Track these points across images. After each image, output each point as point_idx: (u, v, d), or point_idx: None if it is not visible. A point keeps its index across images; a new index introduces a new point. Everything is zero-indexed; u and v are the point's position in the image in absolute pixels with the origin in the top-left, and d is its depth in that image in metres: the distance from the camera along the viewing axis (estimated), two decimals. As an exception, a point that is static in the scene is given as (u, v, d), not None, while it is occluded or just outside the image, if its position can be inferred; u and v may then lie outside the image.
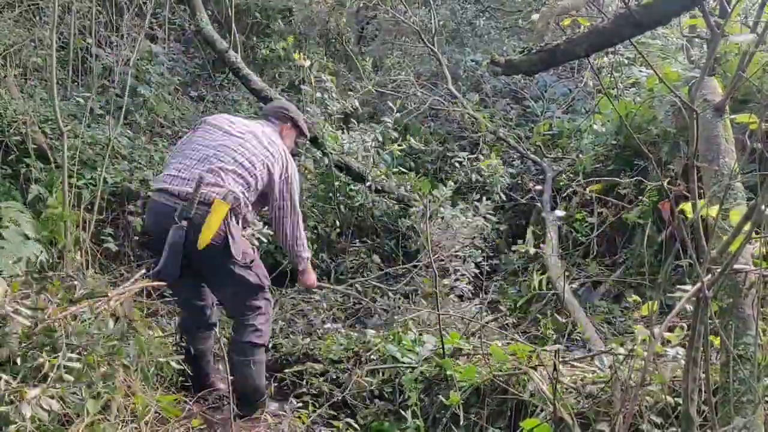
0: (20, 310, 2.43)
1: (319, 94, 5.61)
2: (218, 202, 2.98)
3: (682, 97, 2.22)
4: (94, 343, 2.52)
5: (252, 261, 3.18)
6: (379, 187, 5.40)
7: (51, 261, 4.15)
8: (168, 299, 4.29)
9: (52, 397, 2.24)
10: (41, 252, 4.03)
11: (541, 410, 2.70)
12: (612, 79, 5.80)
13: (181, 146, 3.29)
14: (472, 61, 7.79)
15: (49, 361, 2.33)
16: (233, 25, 5.94)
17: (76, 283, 3.20)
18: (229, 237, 3.02)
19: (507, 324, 4.29)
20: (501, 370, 2.96)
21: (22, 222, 4.17)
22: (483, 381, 2.96)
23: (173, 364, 2.87)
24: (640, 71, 5.51)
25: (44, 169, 4.74)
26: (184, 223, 2.96)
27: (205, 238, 2.95)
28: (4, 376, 2.27)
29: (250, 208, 3.22)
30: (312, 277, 3.58)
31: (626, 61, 6.21)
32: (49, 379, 2.30)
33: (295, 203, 3.31)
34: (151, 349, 2.80)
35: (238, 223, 3.12)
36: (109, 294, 2.70)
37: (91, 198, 4.27)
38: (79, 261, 3.98)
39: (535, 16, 2.80)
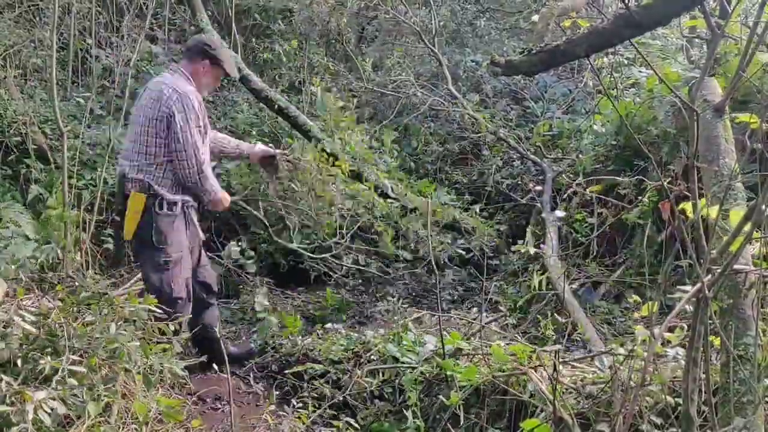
0: (25, 316, 2.44)
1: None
2: (133, 194, 3.31)
3: (682, 97, 2.22)
4: (96, 346, 2.51)
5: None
6: (394, 197, 5.32)
7: (51, 261, 4.15)
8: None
9: (53, 399, 2.24)
10: (44, 252, 4.04)
11: (541, 411, 2.70)
12: (612, 79, 5.80)
13: None
14: (473, 61, 7.78)
15: (51, 364, 2.33)
16: (233, 25, 5.95)
17: (77, 284, 3.22)
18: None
19: (507, 324, 4.28)
20: (501, 371, 2.96)
21: (23, 223, 4.17)
22: (483, 381, 2.96)
23: (178, 370, 2.83)
24: (640, 71, 5.51)
25: (44, 170, 4.74)
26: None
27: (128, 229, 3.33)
28: (6, 378, 2.27)
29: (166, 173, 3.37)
30: (219, 198, 3.57)
31: (626, 62, 6.21)
32: (52, 381, 2.29)
33: (187, 139, 3.33)
34: (154, 350, 2.79)
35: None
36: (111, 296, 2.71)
37: (91, 198, 4.27)
38: (79, 261, 3.97)
39: (535, 17, 2.80)
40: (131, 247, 3.58)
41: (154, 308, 2.77)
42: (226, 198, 3.62)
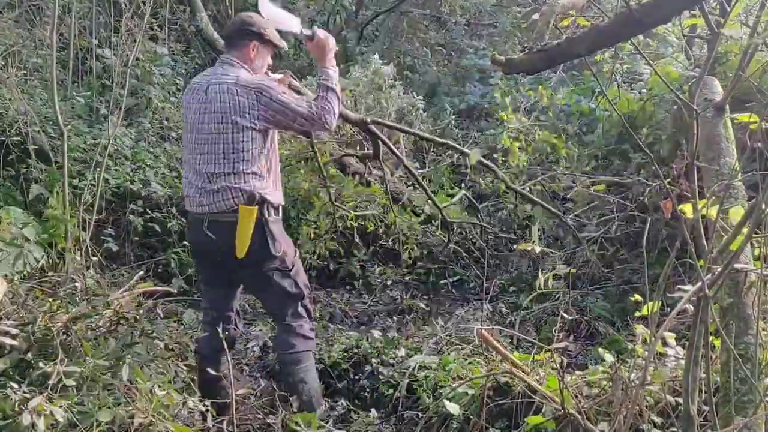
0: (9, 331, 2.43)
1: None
2: (242, 208, 2.89)
3: (682, 97, 2.22)
4: (97, 354, 2.51)
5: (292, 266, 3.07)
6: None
7: (51, 262, 4.15)
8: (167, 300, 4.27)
9: (50, 401, 2.24)
10: (44, 252, 4.04)
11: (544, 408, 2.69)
12: (613, 77, 5.78)
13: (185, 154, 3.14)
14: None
15: (47, 369, 2.33)
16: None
17: (77, 284, 3.22)
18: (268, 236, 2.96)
19: (511, 323, 4.30)
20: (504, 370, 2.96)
21: (23, 223, 4.17)
22: (485, 381, 2.96)
23: (173, 394, 2.75)
24: (645, 67, 5.51)
25: (45, 170, 4.73)
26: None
27: (242, 246, 2.91)
28: (12, 384, 2.27)
29: (264, 170, 3.00)
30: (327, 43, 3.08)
31: (626, 58, 6.19)
32: (49, 387, 2.29)
33: (288, 105, 2.92)
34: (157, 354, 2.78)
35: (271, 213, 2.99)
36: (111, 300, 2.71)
37: (91, 199, 4.27)
38: (80, 262, 3.97)
39: (535, 16, 2.79)
40: (237, 267, 3.02)
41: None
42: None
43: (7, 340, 2.41)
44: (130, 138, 5.41)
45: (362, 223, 4.94)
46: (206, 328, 3.19)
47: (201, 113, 2.97)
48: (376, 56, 6.07)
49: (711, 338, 2.08)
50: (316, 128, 3.11)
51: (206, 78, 3.04)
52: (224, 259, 2.98)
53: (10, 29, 5.21)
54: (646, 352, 2.31)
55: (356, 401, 3.51)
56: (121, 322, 2.84)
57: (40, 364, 2.41)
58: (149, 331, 2.83)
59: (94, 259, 4.15)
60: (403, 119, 6.03)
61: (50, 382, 2.31)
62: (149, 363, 2.75)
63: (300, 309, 3.12)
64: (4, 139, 4.72)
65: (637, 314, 2.54)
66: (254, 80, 2.97)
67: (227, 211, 2.92)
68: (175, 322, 4.01)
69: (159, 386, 2.51)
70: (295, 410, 2.86)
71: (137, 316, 2.87)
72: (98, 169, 4.35)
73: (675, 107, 4.41)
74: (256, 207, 2.91)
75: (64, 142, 4.12)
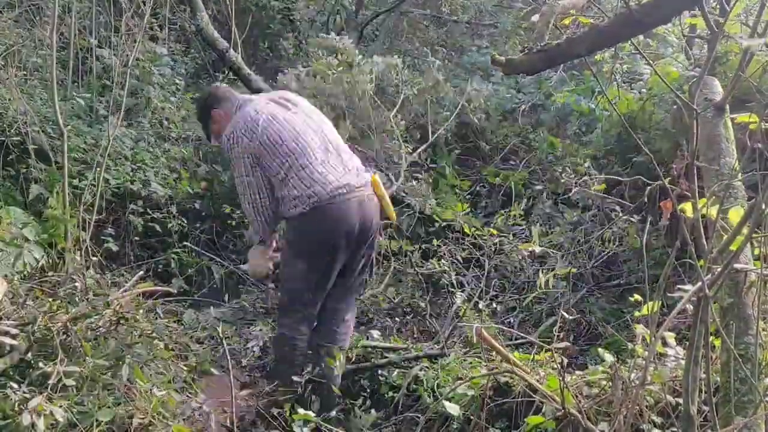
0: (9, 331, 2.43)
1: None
2: (374, 178, 3.32)
3: (682, 97, 2.22)
4: (97, 354, 2.51)
5: None
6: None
7: (51, 262, 4.15)
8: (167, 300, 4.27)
9: (50, 401, 2.24)
10: (44, 253, 4.04)
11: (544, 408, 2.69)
12: (612, 77, 5.78)
13: (299, 144, 3.23)
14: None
15: (47, 369, 2.33)
16: (233, 24, 5.94)
17: (77, 284, 3.22)
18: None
19: (510, 323, 4.30)
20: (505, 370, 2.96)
21: (22, 223, 4.17)
22: (485, 381, 2.96)
23: (174, 395, 2.75)
24: (645, 67, 5.50)
25: (45, 170, 4.73)
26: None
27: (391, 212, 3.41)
28: (12, 384, 2.27)
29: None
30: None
31: (626, 58, 6.19)
32: (49, 387, 2.29)
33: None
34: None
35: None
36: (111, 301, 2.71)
37: (91, 199, 4.27)
38: (79, 262, 3.97)
39: (535, 17, 2.79)
40: (371, 243, 3.40)
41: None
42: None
43: (7, 340, 2.41)
44: (130, 138, 5.40)
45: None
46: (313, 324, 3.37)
47: (313, 113, 3.41)
48: (376, 57, 6.05)
49: (711, 338, 2.09)
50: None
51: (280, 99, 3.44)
52: (369, 237, 3.32)
53: (10, 29, 5.20)
54: (646, 352, 2.32)
55: (356, 401, 3.50)
56: (121, 322, 2.84)
57: (40, 364, 2.41)
58: (149, 332, 2.84)
59: (94, 259, 4.14)
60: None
61: (50, 382, 2.31)
62: (149, 363, 2.75)
63: None
64: (4, 139, 4.71)
65: (637, 314, 2.55)
66: None
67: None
68: (175, 322, 4.00)
69: (158, 388, 2.51)
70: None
71: (137, 317, 2.87)
72: (98, 169, 4.35)
73: (675, 107, 4.41)
74: None
75: (64, 142, 4.12)
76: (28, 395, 2.23)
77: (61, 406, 2.23)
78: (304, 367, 3.17)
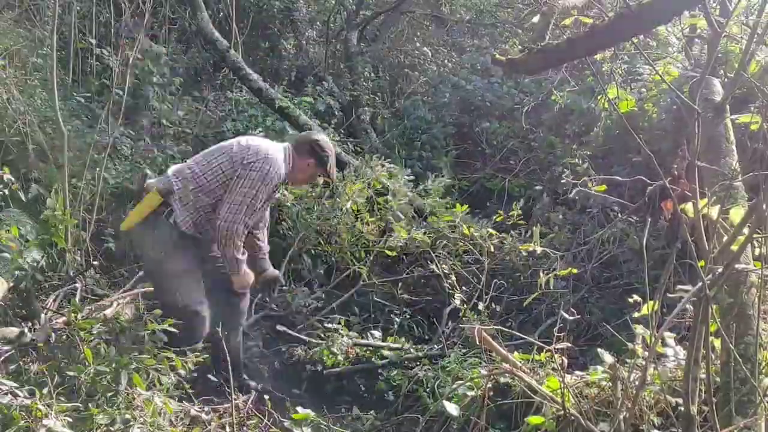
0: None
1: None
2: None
3: (683, 97, 2.21)
4: (97, 359, 2.51)
5: None
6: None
7: (51, 262, 4.14)
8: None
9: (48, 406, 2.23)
10: (45, 253, 4.02)
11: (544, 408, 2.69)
12: (612, 76, 5.77)
13: None
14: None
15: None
16: (234, 24, 5.94)
17: (77, 285, 3.21)
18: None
19: (509, 323, 4.29)
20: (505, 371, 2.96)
21: (22, 223, 4.16)
22: (485, 381, 2.95)
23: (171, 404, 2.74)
24: (643, 68, 5.50)
25: (44, 170, 4.72)
26: None
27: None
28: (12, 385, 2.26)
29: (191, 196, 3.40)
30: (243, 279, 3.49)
31: (626, 58, 6.19)
32: (49, 390, 2.29)
33: (244, 200, 3.29)
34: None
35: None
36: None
37: (91, 199, 4.26)
38: (79, 262, 3.97)
39: (535, 19, 2.79)
40: None
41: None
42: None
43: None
44: (130, 138, 5.40)
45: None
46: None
47: None
48: None
49: (711, 338, 2.08)
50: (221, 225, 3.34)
51: None
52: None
53: (10, 29, 5.20)
54: (646, 353, 2.31)
55: (356, 401, 3.50)
56: (121, 323, 2.84)
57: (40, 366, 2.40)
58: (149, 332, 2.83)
59: (95, 263, 4.14)
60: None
61: (50, 384, 2.30)
62: (148, 367, 2.75)
63: None
64: (3, 139, 4.71)
65: (637, 314, 2.54)
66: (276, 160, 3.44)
67: None
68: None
69: (157, 391, 2.51)
70: None
71: (136, 317, 2.86)
72: (98, 168, 4.34)
73: (675, 107, 4.41)
74: None
75: (64, 142, 4.11)
76: (28, 399, 2.23)
77: (60, 410, 2.23)
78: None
